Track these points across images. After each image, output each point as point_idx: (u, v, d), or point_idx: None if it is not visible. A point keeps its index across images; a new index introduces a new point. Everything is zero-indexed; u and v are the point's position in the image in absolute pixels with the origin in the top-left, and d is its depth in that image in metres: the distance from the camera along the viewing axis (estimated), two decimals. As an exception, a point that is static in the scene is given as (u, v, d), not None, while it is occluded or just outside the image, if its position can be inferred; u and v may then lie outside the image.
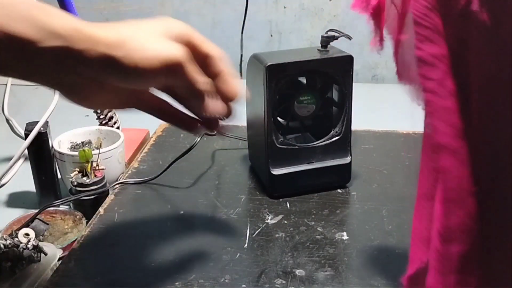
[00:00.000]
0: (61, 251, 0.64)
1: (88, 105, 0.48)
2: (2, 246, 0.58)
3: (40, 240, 0.66)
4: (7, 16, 0.39)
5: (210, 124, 0.52)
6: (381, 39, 0.40)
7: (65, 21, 0.41)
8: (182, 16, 1.45)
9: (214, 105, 0.49)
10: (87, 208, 0.74)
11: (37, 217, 0.70)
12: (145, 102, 0.51)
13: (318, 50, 0.67)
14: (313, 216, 0.66)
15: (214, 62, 0.48)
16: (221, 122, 0.51)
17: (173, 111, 0.52)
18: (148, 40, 0.44)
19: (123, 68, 0.43)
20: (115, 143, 0.83)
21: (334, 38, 0.66)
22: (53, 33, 0.40)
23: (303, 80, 0.68)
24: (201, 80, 0.47)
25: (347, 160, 0.70)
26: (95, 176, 0.76)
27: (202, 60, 0.48)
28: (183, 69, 0.45)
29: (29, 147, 0.80)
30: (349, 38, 0.65)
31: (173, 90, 0.50)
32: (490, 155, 0.32)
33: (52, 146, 0.82)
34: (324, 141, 0.70)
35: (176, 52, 0.45)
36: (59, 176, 0.84)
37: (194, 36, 0.47)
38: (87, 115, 1.07)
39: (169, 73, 0.45)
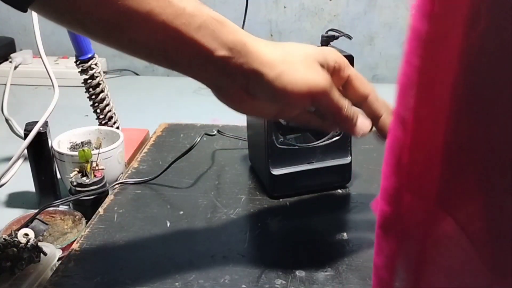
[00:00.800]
0: (61, 251, 0.64)
1: (236, 108, 0.52)
2: (1, 246, 0.58)
3: (39, 240, 0.66)
4: (190, 25, 0.45)
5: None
6: None
7: (236, 35, 0.47)
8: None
9: (362, 125, 0.53)
10: (87, 208, 0.74)
11: (37, 217, 0.70)
12: (291, 115, 0.55)
13: (318, 50, 0.67)
14: (313, 216, 0.66)
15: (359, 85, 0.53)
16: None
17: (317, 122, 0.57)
18: (299, 65, 0.49)
19: (272, 88, 0.48)
20: (115, 143, 0.83)
21: (334, 38, 0.66)
22: (225, 44, 0.46)
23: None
24: (346, 105, 0.51)
25: (347, 160, 0.70)
26: (95, 176, 0.76)
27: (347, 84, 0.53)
28: (328, 96, 0.50)
29: (28, 147, 0.79)
30: (349, 38, 0.65)
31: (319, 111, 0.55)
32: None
33: (52, 146, 0.82)
34: (324, 141, 0.69)
35: (323, 81, 0.49)
36: (58, 176, 0.84)
37: (345, 70, 0.51)
38: (87, 115, 1.07)
39: (314, 99, 0.50)
